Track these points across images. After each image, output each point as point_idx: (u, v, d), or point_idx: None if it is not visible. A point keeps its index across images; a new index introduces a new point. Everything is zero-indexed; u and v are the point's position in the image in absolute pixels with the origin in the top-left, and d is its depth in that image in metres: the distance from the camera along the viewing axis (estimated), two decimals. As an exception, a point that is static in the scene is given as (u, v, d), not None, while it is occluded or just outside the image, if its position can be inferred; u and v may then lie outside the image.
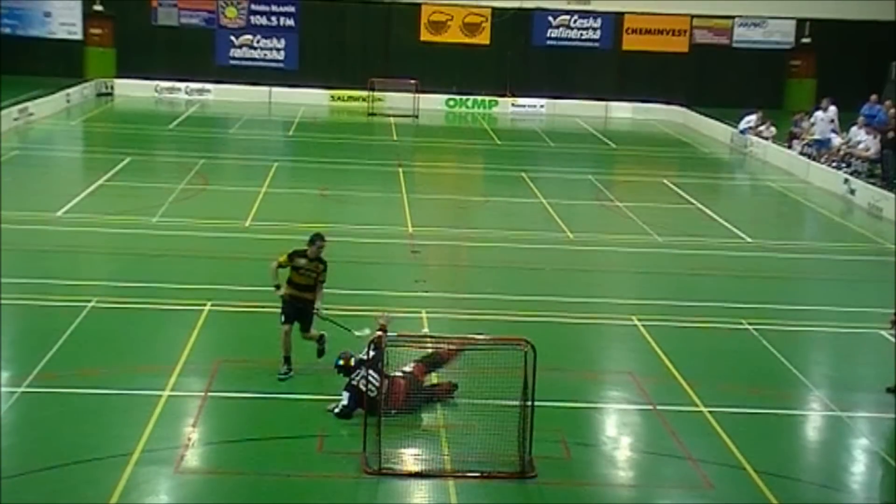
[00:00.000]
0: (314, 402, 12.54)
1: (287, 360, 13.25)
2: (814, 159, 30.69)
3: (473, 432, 11.55)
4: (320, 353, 13.50)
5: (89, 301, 15.76)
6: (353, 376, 12.09)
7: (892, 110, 29.58)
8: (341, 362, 12.39)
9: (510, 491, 10.70)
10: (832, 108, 31.56)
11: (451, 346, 12.36)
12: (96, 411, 12.10)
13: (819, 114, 31.60)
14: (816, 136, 31.37)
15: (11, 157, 27.75)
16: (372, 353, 11.85)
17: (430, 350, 12.56)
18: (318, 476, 10.79)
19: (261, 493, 10.37)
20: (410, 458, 11.24)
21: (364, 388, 11.88)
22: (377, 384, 11.69)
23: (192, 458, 11.13)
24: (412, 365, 12.41)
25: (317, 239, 13.36)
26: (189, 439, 11.46)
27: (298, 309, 13.29)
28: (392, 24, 45.32)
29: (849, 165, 29.18)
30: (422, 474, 10.92)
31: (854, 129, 30.24)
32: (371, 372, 11.87)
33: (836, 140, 30.80)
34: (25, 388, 12.53)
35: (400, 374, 12.18)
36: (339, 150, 32.69)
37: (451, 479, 10.80)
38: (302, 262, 13.32)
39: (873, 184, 27.19)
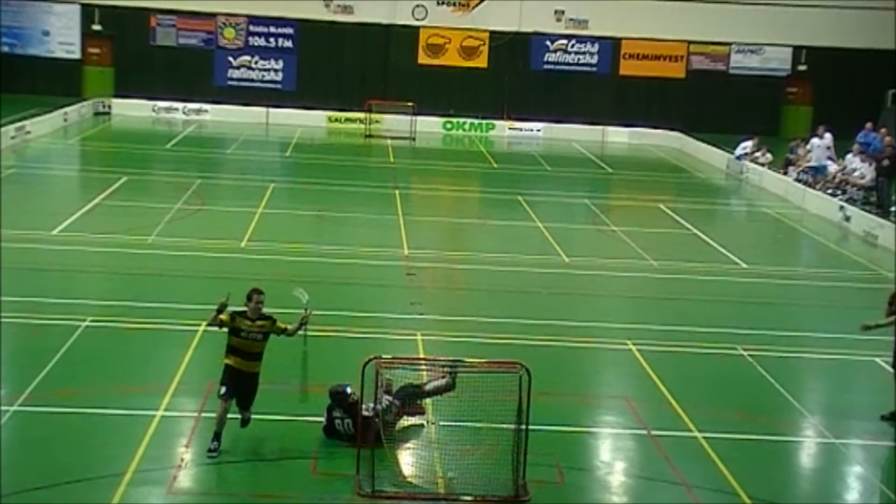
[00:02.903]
0: (308, 424, 12.50)
1: (218, 436, 11.50)
2: (810, 186, 30.78)
3: (467, 456, 11.53)
4: (244, 422, 11.95)
5: (83, 320, 15.73)
6: (333, 413, 12.04)
7: (888, 138, 29.68)
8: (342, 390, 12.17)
9: (503, 515, 10.66)
10: (828, 136, 31.71)
11: (439, 383, 12.20)
12: (89, 431, 12.06)
13: (815, 141, 31.76)
14: (812, 163, 31.51)
15: (8, 175, 27.75)
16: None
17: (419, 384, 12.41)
18: (312, 498, 10.75)
19: (253, 514, 10.33)
20: (404, 480, 11.20)
21: (339, 429, 11.93)
22: (350, 430, 11.78)
23: (185, 479, 11.09)
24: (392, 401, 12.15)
25: (253, 294, 11.56)
26: (182, 460, 11.42)
27: (243, 384, 11.60)
28: (390, 47, 45.48)
29: (844, 193, 29.26)
30: (415, 497, 10.89)
31: (849, 156, 30.36)
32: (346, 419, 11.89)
33: (832, 167, 30.91)
34: (18, 407, 12.49)
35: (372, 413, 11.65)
36: (335, 171, 32.73)
37: (445, 502, 10.77)
38: (245, 324, 11.48)
39: (868, 211, 27.26)
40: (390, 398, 12.00)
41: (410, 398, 12.16)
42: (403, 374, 12.28)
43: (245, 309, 11.60)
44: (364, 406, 11.41)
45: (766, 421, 13.67)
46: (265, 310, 11.67)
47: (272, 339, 11.82)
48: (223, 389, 11.50)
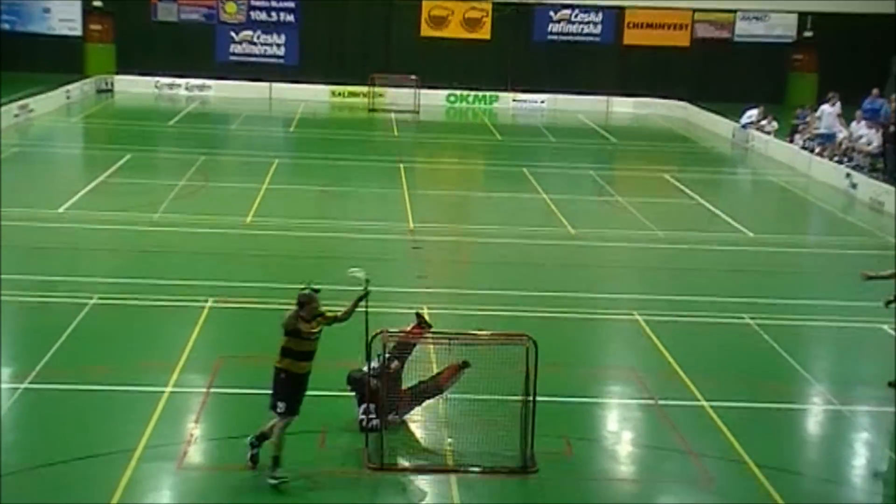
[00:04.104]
0: (316, 398, 12.52)
1: (277, 460, 10.55)
2: (819, 153, 30.58)
3: (475, 428, 11.57)
4: (254, 458, 10.75)
5: (91, 298, 15.77)
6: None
7: (895, 104, 29.53)
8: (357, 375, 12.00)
9: (512, 486, 10.71)
10: (838, 103, 31.40)
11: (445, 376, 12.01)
12: (98, 408, 12.11)
13: (826, 107, 31.29)
14: (822, 131, 31.21)
15: (12, 154, 27.75)
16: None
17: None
18: (321, 472, 10.80)
19: (263, 489, 10.37)
20: (412, 453, 11.24)
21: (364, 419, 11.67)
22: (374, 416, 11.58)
23: (195, 455, 11.15)
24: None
25: (311, 298, 10.82)
26: (191, 436, 11.48)
27: (299, 388, 10.71)
28: (392, 20, 45.27)
29: (851, 160, 29.15)
30: (423, 469, 10.94)
31: (854, 124, 30.21)
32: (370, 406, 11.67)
33: (842, 134, 30.73)
34: (27, 385, 12.55)
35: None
36: (339, 146, 32.68)
37: (453, 474, 10.81)
38: (305, 325, 10.72)
39: (875, 178, 27.16)
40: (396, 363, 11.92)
41: (428, 393, 12.00)
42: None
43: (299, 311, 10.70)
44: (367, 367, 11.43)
45: (774, 389, 13.69)
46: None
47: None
48: (282, 406, 10.52)
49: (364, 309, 11.29)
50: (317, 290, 10.78)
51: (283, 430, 10.54)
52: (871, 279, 14.03)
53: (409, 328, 12.21)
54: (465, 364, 11.75)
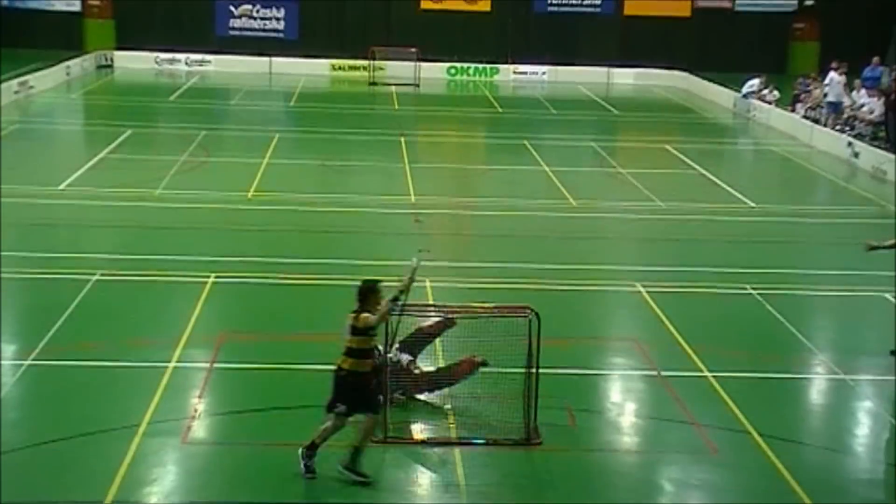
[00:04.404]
0: (319, 373, 12.54)
1: (314, 447, 10.15)
2: (827, 123, 30.24)
3: (478, 400, 11.60)
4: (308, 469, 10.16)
5: (93, 274, 15.78)
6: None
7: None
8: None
9: (515, 458, 10.74)
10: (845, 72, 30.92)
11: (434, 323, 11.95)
12: (102, 384, 12.14)
13: (835, 75, 30.69)
14: (831, 99, 30.68)
15: (12, 131, 27.71)
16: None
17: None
18: (324, 445, 10.81)
19: (268, 462, 10.40)
20: (416, 426, 11.28)
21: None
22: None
23: (199, 430, 11.19)
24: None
25: (376, 293, 10.12)
26: (196, 411, 11.51)
27: (357, 388, 10.07)
28: (392, -8, 45.10)
29: (853, 129, 29.05)
30: (427, 442, 10.97)
31: (854, 93, 30.05)
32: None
33: (845, 103, 30.54)
34: (32, 362, 12.57)
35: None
36: (340, 120, 32.60)
37: (457, 446, 10.84)
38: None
39: (877, 147, 27.08)
40: (407, 356, 11.89)
41: (419, 345, 12.10)
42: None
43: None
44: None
45: (776, 359, 13.71)
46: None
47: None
48: (341, 407, 10.05)
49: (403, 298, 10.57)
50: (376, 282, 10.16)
51: (371, 429, 10.11)
52: (874, 249, 14.04)
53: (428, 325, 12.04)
54: (484, 363, 11.64)
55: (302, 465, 10.08)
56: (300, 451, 10.12)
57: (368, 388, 10.17)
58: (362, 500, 9.82)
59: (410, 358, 11.87)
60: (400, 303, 10.59)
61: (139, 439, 10.69)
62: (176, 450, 10.65)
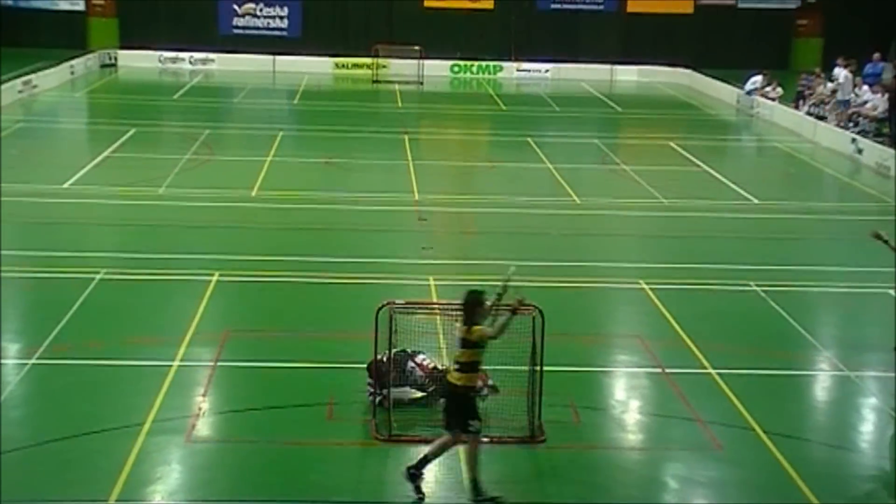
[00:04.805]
0: (323, 371, 12.58)
1: (477, 483, 9.75)
2: (839, 122, 29.62)
3: (483, 398, 11.59)
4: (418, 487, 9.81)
5: (97, 273, 15.79)
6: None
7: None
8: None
9: (520, 455, 10.74)
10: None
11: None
12: (106, 382, 12.16)
13: (845, 73, 30.20)
14: (840, 97, 30.15)
15: (16, 130, 27.74)
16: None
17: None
18: (329, 443, 10.84)
19: (272, 460, 10.41)
20: (420, 424, 11.26)
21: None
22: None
23: (203, 428, 11.19)
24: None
25: (482, 302, 9.89)
26: (200, 409, 11.52)
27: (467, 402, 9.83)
28: (395, -10, 45.09)
29: (856, 125, 29.00)
30: (431, 440, 10.95)
31: (857, 89, 29.94)
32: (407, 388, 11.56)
33: (851, 99, 30.41)
34: (36, 360, 12.59)
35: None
36: (343, 118, 32.60)
37: (461, 444, 10.82)
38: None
39: (881, 143, 27.04)
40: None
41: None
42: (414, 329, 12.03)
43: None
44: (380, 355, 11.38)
45: (780, 355, 13.70)
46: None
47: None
48: (476, 424, 9.75)
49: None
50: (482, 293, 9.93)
51: (477, 449, 9.84)
52: (877, 238, 13.82)
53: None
54: (494, 389, 11.40)
55: (412, 487, 9.75)
56: (405, 471, 9.79)
57: (475, 404, 9.93)
58: (367, 499, 9.82)
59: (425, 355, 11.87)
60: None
61: (143, 437, 10.70)
62: (180, 448, 10.66)
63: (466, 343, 9.69)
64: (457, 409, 9.77)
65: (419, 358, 11.78)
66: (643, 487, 10.34)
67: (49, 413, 11.33)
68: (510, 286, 10.12)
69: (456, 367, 9.79)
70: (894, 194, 22.81)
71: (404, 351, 11.70)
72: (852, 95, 30.29)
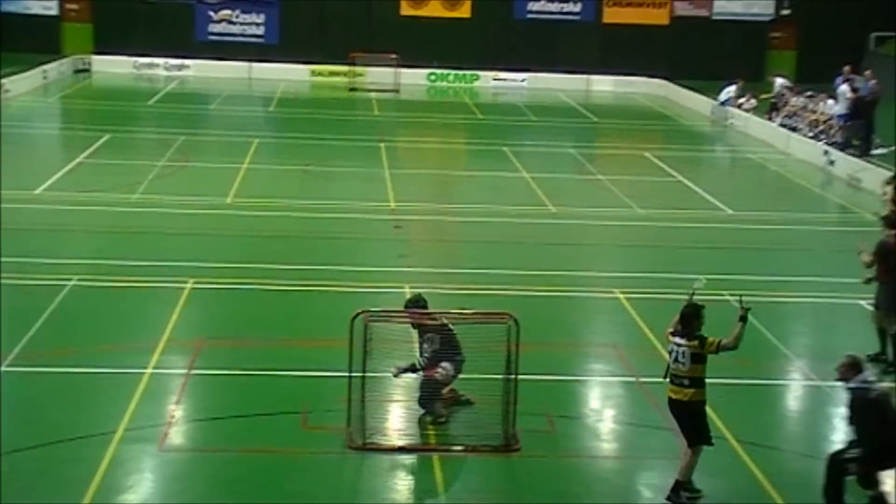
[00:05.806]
0: (298, 379, 12.54)
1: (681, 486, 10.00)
2: (842, 139, 28.37)
3: (458, 406, 11.60)
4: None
5: (70, 280, 15.69)
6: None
7: (873, 81, 29.44)
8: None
9: (495, 464, 10.75)
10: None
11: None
12: (79, 390, 12.08)
13: (844, 88, 28.94)
14: (842, 111, 28.83)
15: (-11, 136, 27.52)
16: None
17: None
18: (303, 452, 10.81)
19: (246, 469, 10.37)
20: (395, 433, 11.26)
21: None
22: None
23: (176, 436, 11.13)
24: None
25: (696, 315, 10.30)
26: (173, 417, 11.46)
27: (676, 415, 10.16)
28: (372, -2, 45.09)
29: (827, 136, 29.16)
30: (406, 449, 10.95)
31: (822, 103, 30.23)
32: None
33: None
34: (7, 368, 12.48)
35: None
36: (320, 125, 32.57)
37: (436, 453, 10.83)
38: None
39: (853, 155, 27.24)
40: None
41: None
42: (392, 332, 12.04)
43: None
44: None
45: (753, 365, 13.73)
46: None
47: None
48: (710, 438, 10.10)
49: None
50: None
51: (695, 464, 10.07)
52: (859, 254, 13.94)
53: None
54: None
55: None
56: (668, 498, 9.93)
57: (706, 417, 10.11)
58: (340, 507, 9.80)
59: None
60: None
61: (115, 446, 10.63)
62: (153, 456, 10.60)
63: (698, 358, 9.96)
64: (695, 425, 9.99)
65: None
66: (618, 496, 10.37)
67: (20, 421, 11.21)
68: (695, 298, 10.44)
69: (686, 383, 9.98)
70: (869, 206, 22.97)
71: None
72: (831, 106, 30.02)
